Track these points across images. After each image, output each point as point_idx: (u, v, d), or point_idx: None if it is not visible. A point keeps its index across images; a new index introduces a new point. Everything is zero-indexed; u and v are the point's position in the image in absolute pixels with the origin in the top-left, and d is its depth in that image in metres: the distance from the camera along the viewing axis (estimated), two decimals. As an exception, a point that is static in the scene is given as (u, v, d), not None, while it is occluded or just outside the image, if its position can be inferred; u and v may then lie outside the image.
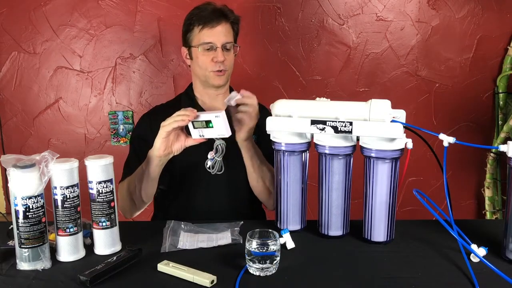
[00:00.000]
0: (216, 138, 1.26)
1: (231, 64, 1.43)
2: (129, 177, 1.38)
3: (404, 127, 1.05)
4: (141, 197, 1.35)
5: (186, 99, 1.51)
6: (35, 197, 0.96)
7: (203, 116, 1.15)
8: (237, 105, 1.25)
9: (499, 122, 2.07)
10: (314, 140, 1.15)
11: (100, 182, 1.03)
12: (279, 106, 1.17)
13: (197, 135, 1.19)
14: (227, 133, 1.16)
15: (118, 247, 1.08)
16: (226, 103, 1.25)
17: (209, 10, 1.39)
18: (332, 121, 1.08)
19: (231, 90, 1.54)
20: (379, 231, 1.11)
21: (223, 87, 1.46)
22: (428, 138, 1.11)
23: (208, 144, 1.32)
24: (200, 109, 1.48)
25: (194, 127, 1.18)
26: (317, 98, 1.20)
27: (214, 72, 1.39)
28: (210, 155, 1.36)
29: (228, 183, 1.42)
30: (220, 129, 1.15)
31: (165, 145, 1.21)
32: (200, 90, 1.48)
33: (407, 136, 1.07)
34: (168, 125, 1.17)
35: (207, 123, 1.15)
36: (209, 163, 1.37)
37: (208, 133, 1.17)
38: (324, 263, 1.02)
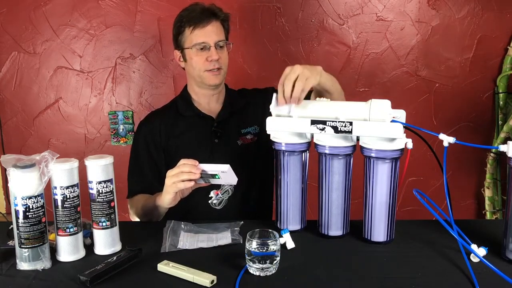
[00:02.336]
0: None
1: (226, 62, 1.43)
2: (139, 201, 1.39)
3: (404, 127, 1.05)
4: (150, 220, 1.37)
5: (182, 101, 1.50)
6: (35, 197, 0.96)
7: (209, 170, 1.12)
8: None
9: (499, 122, 2.07)
10: (314, 140, 1.15)
11: (100, 182, 1.03)
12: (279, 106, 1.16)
13: (202, 181, 1.16)
14: (234, 182, 1.13)
15: (118, 247, 1.08)
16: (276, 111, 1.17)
17: (198, 10, 1.39)
18: (332, 121, 1.08)
19: (226, 88, 1.54)
20: (379, 231, 1.11)
21: (218, 86, 1.46)
22: (428, 138, 1.11)
23: None
24: (196, 110, 1.47)
25: (200, 177, 1.14)
26: (317, 98, 1.20)
27: (208, 71, 1.39)
28: (214, 193, 1.37)
29: (237, 185, 1.43)
30: (226, 179, 1.13)
31: (174, 200, 1.20)
32: (196, 92, 1.48)
33: (407, 136, 1.07)
34: (174, 186, 1.14)
35: (213, 175, 1.13)
36: (214, 201, 1.38)
37: (214, 181, 1.15)
38: (324, 263, 1.02)
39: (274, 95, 1.18)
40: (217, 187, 1.39)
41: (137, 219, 1.41)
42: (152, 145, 1.45)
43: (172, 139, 1.45)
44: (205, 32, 1.38)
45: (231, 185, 1.17)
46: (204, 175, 1.12)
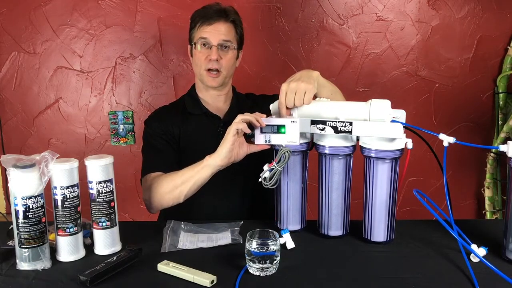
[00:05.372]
0: (282, 146, 1.13)
1: (228, 65, 1.40)
2: (163, 176, 1.29)
3: (404, 127, 1.05)
4: (180, 199, 1.27)
5: (190, 100, 1.50)
6: (35, 197, 0.96)
7: (276, 121, 1.11)
8: None
9: (499, 122, 2.07)
10: (314, 140, 1.15)
11: (100, 182, 1.03)
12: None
13: (263, 140, 1.15)
14: (298, 141, 1.11)
15: (118, 247, 1.08)
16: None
17: (213, 8, 1.39)
18: (332, 121, 1.08)
19: (234, 90, 1.53)
20: (379, 231, 1.11)
21: (222, 88, 1.45)
22: (428, 138, 1.11)
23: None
24: (204, 109, 1.47)
25: (262, 131, 1.14)
26: (317, 98, 1.20)
27: (207, 71, 1.38)
28: (268, 166, 1.15)
29: (235, 182, 1.42)
30: (292, 135, 1.10)
31: (231, 153, 1.16)
32: (203, 90, 1.48)
33: (407, 136, 1.07)
34: (235, 125, 1.12)
35: (279, 128, 1.11)
36: (266, 174, 1.14)
37: (276, 139, 1.13)
38: (324, 263, 1.02)
39: (272, 107, 1.18)
40: (270, 160, 1.21)
41: (155, 200, 1.29)
42: (168, 134, 1.42)
43: (182, 134, 1.44)
44: (210, 29, 1.37)
45: (294, 144, 1.11)
46: (269, 128, 1.11)
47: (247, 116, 1.12)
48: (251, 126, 1.15)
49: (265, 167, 1.14)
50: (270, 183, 1.13)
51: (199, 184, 1.23)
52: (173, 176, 1.26)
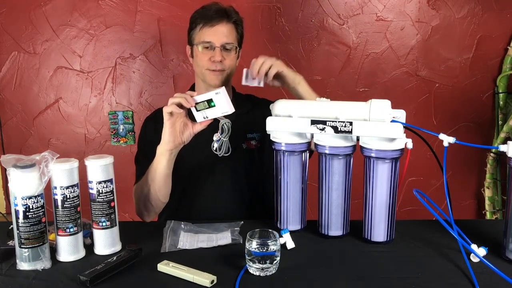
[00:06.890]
0: (221, 118, 1.22)
1: (231, 65, 1.41)
2: (141, 179, 1.34)
3: (404, 127, 1.05)
4: (157, 197, 1.32)
5: None
6: (35, 197, 0.96)
7: (203, 96, 1.16)
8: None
9: (499, 122, 2.07)
10: (314, 140, 1.15)
11: (100, 182, 1.03)
12: (279, 106, 1.17)
13: (201, 117, 1.19)
14: (230, 109, 1.16)
15: (118, 247, 1.08)
16: (246, 83, 1.32)
17: (213, 9, 1.38)
18: (332, 121, 1.08)
19: (233, 90, 1.53)
20: (379, 231, 1.11)
21: (220, 87, 1.45)
22: (428, 138, 1.11)
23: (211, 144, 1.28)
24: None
25: (197, 110, 1.18)
26: (317, 98, 1.20)
27: (210, 70, 1.38)
28: (216, 136, 1.29)
29: (234, 183, 1.42)
30: (222, 106, 1.15)
31: (173, 136, 1.19)
32: (203, 90, 1.48)
33: (407, 136, 1.07)
34: (166, 108, 1.17)
35: (209, 103, 1.16)
36: (215, 145, 1.28)
37: (211, 113, 1.17)
38: (324, 263, 1.02)
39: (245, 70, 1.30)
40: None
41: (141, 209, 1.36)
42: (158, 140, 1.43)
43: None
44: (213, 32, 1.36)
45: (227, 114, 1.17)
46: (199, 104, 1.17)
47: (177, 99, 1.16)
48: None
49: (214, 138, 1.26)
50: (220, 153, 1.26)
51: (163, 174, 1.26)
52: (143, 179, 1.32)
